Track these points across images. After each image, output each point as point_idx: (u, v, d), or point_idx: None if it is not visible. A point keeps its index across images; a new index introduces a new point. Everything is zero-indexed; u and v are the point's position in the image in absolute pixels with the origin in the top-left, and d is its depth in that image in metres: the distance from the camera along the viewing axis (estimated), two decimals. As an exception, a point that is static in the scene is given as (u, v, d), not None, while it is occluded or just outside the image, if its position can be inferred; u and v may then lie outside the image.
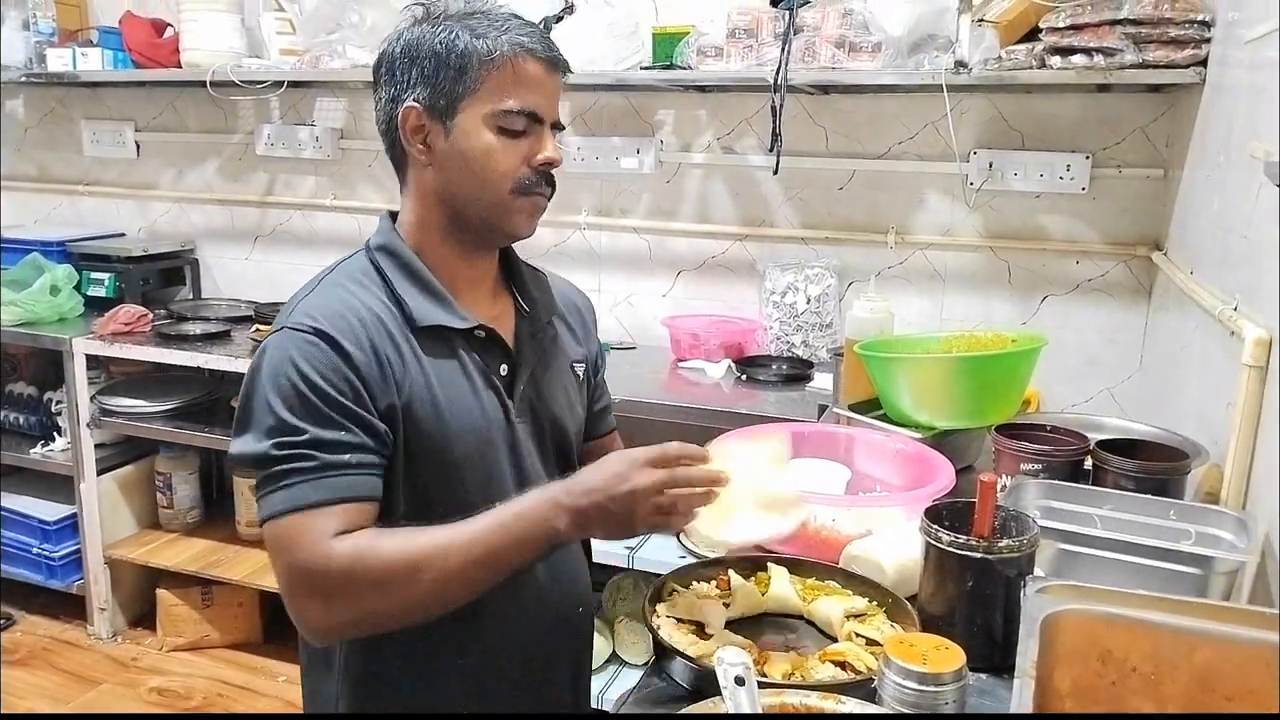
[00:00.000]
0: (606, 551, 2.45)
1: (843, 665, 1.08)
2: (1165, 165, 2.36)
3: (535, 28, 1.17)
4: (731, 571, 1.28)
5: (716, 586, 1.27)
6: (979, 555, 1.09)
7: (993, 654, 1.11)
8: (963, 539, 1.10)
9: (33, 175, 3.62)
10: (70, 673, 2.88)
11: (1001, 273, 2.55)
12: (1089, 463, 1.49)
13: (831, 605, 1.18)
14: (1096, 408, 2.47)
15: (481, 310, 1.22)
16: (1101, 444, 1.47)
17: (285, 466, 1.04)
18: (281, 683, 2.83)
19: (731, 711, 0.81)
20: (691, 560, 1.35)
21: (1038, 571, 1.21)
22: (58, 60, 3.03)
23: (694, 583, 1.27)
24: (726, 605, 1.21)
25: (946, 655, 0.91)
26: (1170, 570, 1.20)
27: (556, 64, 1.17)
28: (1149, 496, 1.36)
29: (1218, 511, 1.33)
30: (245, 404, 1.09)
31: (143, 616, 3.11)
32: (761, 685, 0.85)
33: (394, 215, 1.24)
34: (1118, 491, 1.38)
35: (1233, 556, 1.19)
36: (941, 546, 1.11)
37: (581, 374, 1.35)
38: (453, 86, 1.13)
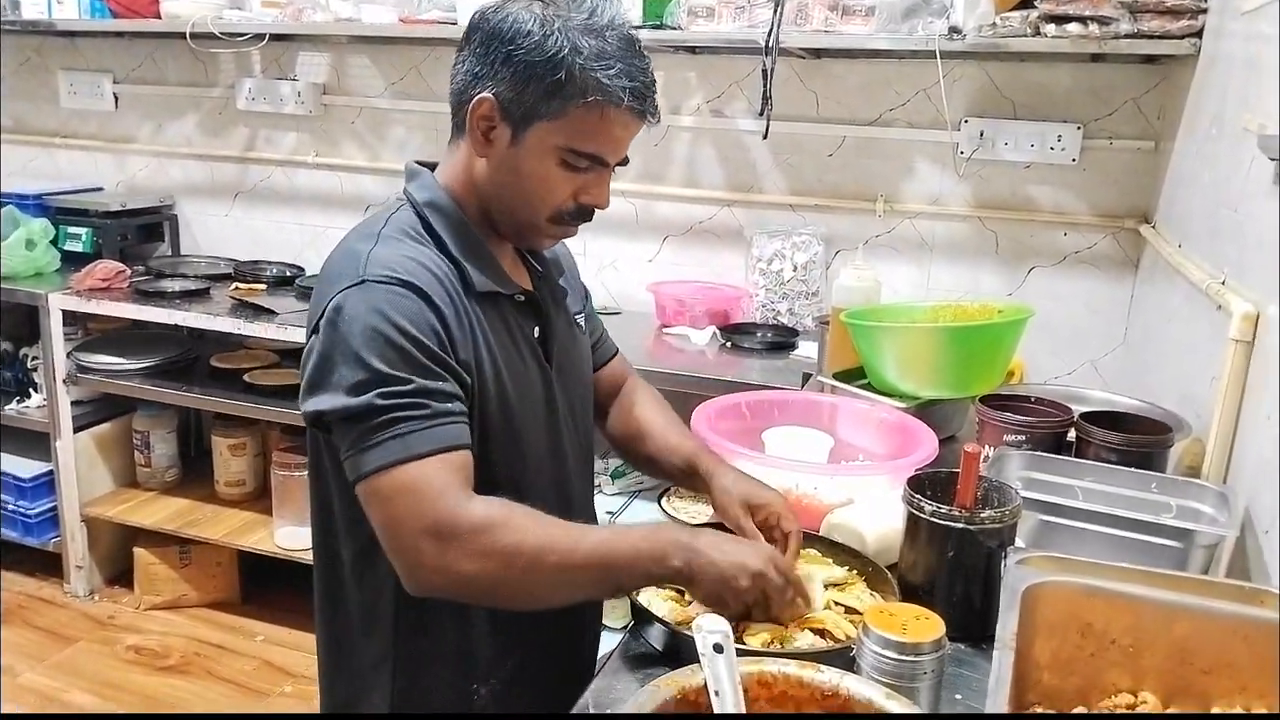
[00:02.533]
0: (587, 516, 2.44)
1: (822, 633, 1.08)
2: (1156, 138, 2.34)
3: (645, 70, 1.09)
4: None
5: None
6: (961, 525, 1.08)
7: (972, 624, 1.11)
8: (945, 509, 1.09)
9: (8, 127, 3.54)
10: (46, 630, 2.87)
11: (989, 243, 2.54)
12: (1072, 434, 1.49)
13: (812, 572, 1.17)
14: (1080, 380, 2.47)
15: (514, 276, 1.21)
16: (1085, 416, 1.46)
17: (395, 415, 1.00)
18: (259, 642, 2.83)
19: (710, 679, 0.80)
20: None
21: (1019, 543, 1.21)
22: (32, 7, 2.95)
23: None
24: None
25: (926, 625, 0.90)
26: (1151, 543, 1.20)
27: (646, 116, 1.11)
28: (1131, 469, 1.36)
29: (1199, 485, 1.33)
30: (325, 362, 1.03)
31: (120, 575, 3.10)
32: (740, 653, 0.84)
33: (429, 167, 1.20)
34: (1100, 464, 1.38)
35: (1213, 530, 1.19)
36: (924, 516, 1.11)
37: (583, 324, 1.36)
38: (537, 102, 1.07)
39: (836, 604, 1.13)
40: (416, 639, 1.17)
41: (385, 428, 1.00)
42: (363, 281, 1.05)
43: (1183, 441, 1.53)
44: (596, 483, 2.56)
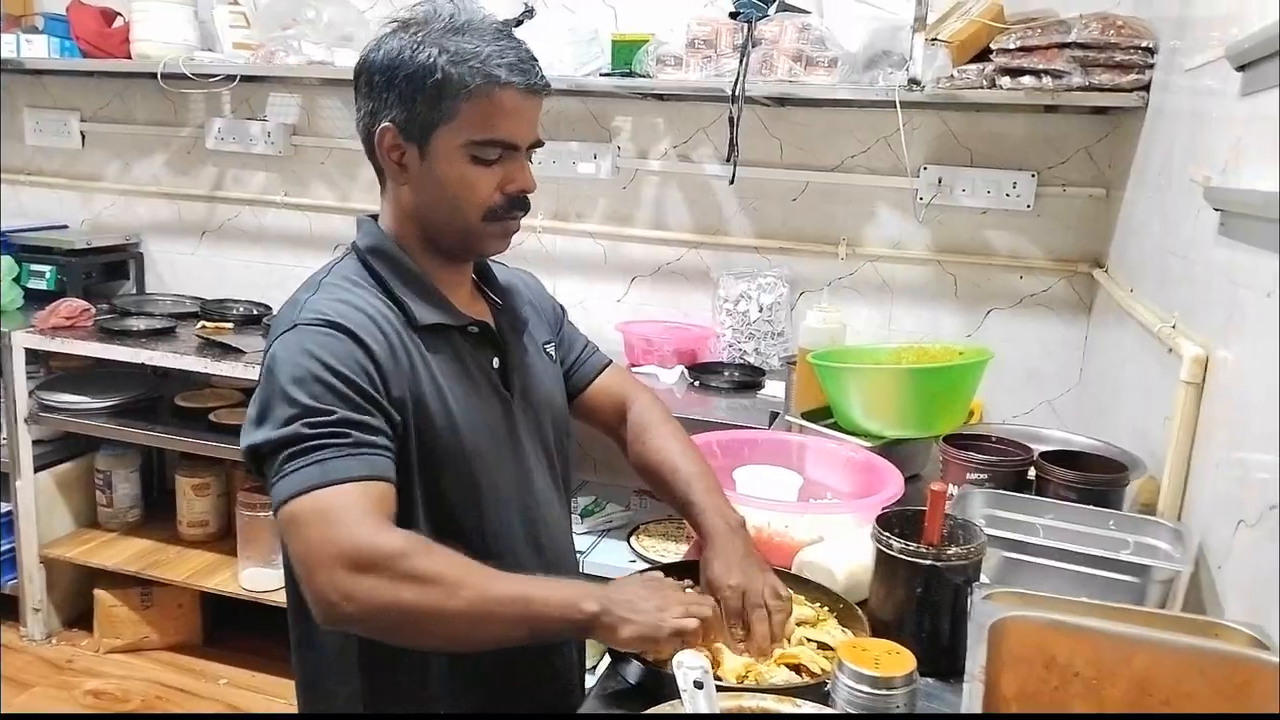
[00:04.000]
0: (557, 555, 2.45)
1: (796, 668, 1.10)
2: (1108, 185, 2.43)
3: (517, 48, 1.15)
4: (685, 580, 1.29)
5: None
6: (929, 562, 1.12)
7: (940, 659, 1.14)
8: (913, 546, 1.13)
9: (-29, 163, 3.52)
10: (3, 675, 2.80)
11: (949, 286, 2.61)
12: (1032, 473, 1.54)
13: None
14: (1037, 419, 2.53)
15: (467, 308, 1.24)
16: (1044, 455, 1.51)
17: (318, 442, 1.02)
18: (222, 685, 2.79)
19: (690, 710, 0.82)
20: (641, 565, 1.36)
21: (984, 578, 1.25)
22: (1, 47, 2.95)
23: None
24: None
25: (898, 660, 0.94)
26: (1109, 579, 1.24)
27: (535, 90, 1.16)
28: (1089, 507, 1.40)
29: (1154, 522, 1.37)
30: (262, 401, 1.07)
31: (79, 617, 3.04)
32: (719, 689, 0.87)
33: (373, 217, 1.24)
34: (1060, 501, 1.43)
35: (1169, 565, 1.24)
36: (892, 553, 1.14)
37: (554, 353, 1.38)
38: (428, 113, 1.12)
39: (809, 640, 1.16)
40: (385, 676, 1.17)
41: (305, 454, 1.02)
42: (295, 326, 1.09)
43: (1138, 480, 1.59)
44: (565, 521, 2.58)
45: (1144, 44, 2.02)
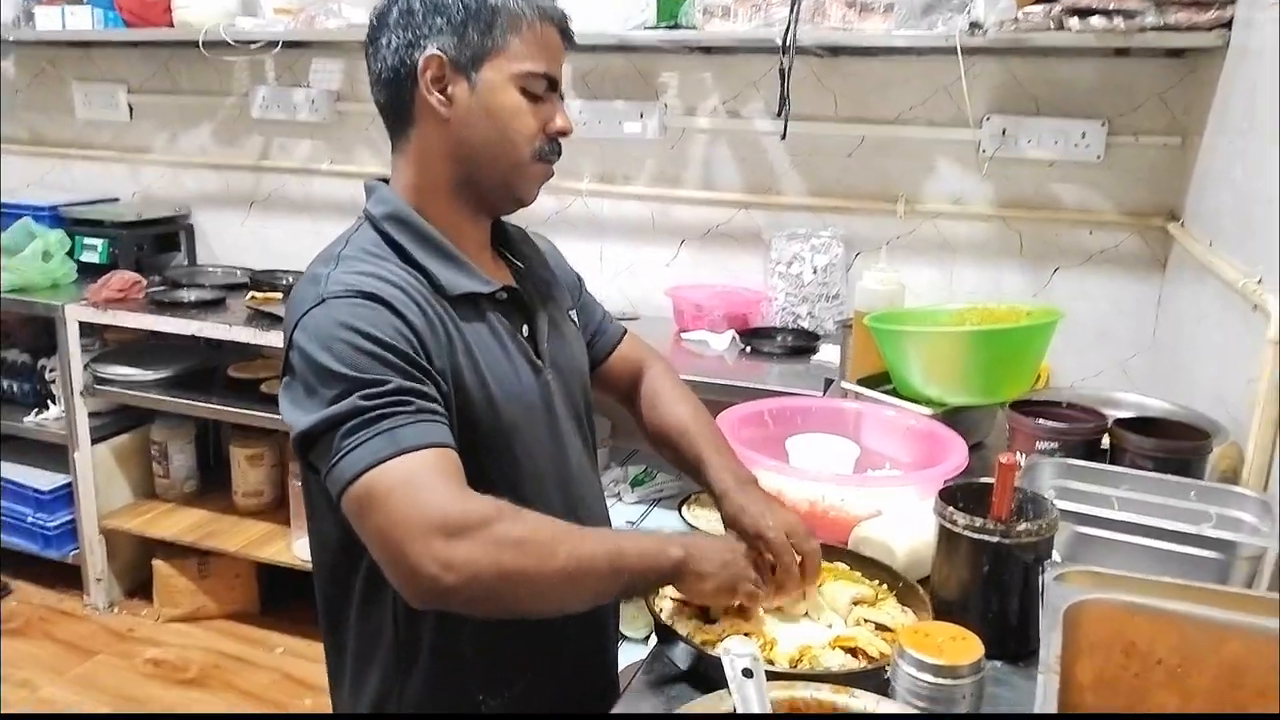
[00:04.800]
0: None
1: (853, 651, 1.04)
2: (1183, 133, 2.29)
3: None
4: None
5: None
6: (996, 540, 1.05)
7: (1008, 641, 1.08)
8: (979, 522, 1.05)
9: (24, 138, 3.55)
10: (66, 643, 2.86)
11: (1013, 243, 2.49)
12: (1106, 441, 1.45)
13: (839, 590, 1.14)
14: (1107, 382, 2.42)
15: (493, 274, 1.18)
16: (1119, 422, 1.42)
17: (380, 413, 0.95)
18: (279, 654, 2.81)
19: (739, 705, 0.77)
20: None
21: (1055, 555, 1.17)
22: (46, 19, 2.95)
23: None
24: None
25: (964, 646, 0.87)
26: (1190, 555, 1.16)
27: (568, 35, 1.16)
28: (1168, 477, 1.31)
29: (1239, 493, 1.28)
30: (302, 385, 1.00)
31: (139, 586, 3.09)
32: (769, 676, 0.81)
33: (384, 180, 1.18)
34: (1136, 472, 1.34)
35: (1256, 541, 1.15)
36: (957, 530, 1.07)
37: (576, 319, 1.33)
38: (481, 40, 1.09)
39: (866, 620, 1.10)
40: (417, 659, 1.13)
41: (370, 425, 0.95)
42: (323, 301, 1.03)
43: (1219, 447, 1.49)
44: (615, 491, 2.54)
45: (1225, -22, 1.88)
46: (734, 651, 0.79)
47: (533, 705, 1.18)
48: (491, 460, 1.11)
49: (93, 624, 2.96)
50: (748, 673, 0.78)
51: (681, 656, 1.05)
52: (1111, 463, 1.41)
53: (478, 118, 1.10)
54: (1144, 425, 1.42)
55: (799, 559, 1.10)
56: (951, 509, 1.08)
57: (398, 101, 1.13)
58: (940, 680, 0.85)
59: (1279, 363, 1.35)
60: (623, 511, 2.46)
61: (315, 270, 1.09)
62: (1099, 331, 2.44)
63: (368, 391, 0.97)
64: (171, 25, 2.87)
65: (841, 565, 1.21)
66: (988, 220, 2.50)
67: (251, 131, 3.22)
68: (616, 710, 1.03)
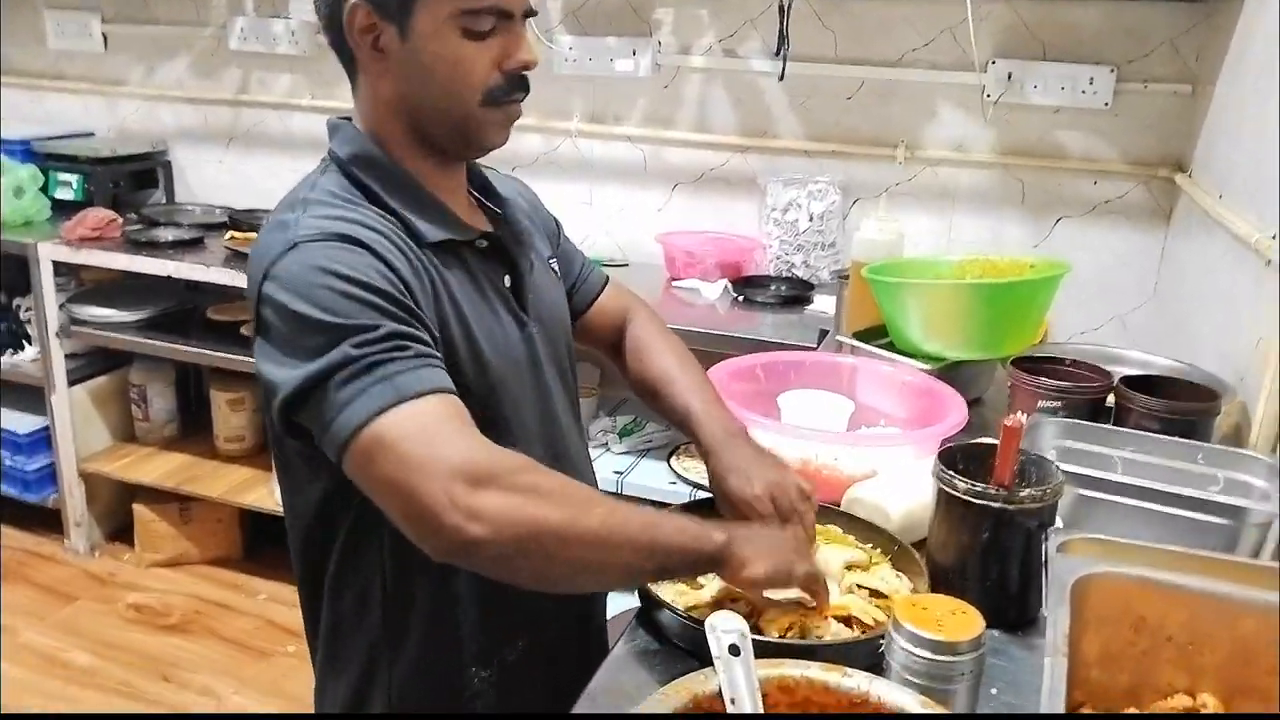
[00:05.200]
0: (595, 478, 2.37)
1: (847, 620, 1.00)
2: (1194, 81, 2.21)
3: None
4: None
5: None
6: (998, 505, 1.00)
7: (1008, 609, 1.03)
8: (980, 487, 1.00)
9: (-7, 69, 3.43)
10: (47, 588, 2.83)
11: (1015, 192, 2.42)
12: (1111, 400, 1.40)
13: (831, 553, 1.09)
14: (1107, 335, 2.37)
15: (470, 219, 1.11)
16: (1125, 380, 1.37)
17: (375, 359, 0.87)
18: (262, 600, 2.78)
19: (725, 686, 0.72)
20: (682, 487, 1.26)
21: (1058, 521, 1.13)
22: (13, -57, 2.82)
23: None
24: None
25: (963, 621, 0.82)
26: (1197, 520, 1.11)
27: None
28: (1174, 439, 1.26)
29: (1249, 456, 1.23)
30: (280, 341, 0.91)
31: (121, 530, 3.05)
32: (758, 646, 0.76)
33: (347, 119, 1.09)
34: (1141, 433, 1.29)
35: (1265, 507, 1.10)
36: (956, 494, 1.02)
37: (556, 268, 1.26)
38: None
39: (860, 586, 1.05)
40: (408, 630, 1.08)
41: (367, 373, 0.87)
42: (294, 246, 0.93)
43: (1231, 403, 1.45)
44: (603, 441, 2.50)
45: (1249, -85, 1.79)
46: (720, 627, 0.74)
47: (522, 675, 1.13)
48: (478, 415, 1.04)
49: (73, 568, 2.92)
50: (734, 650, 0.73)
51: (669, 626, 1.00)
52: (1116, 423, 1.36)
53: (415, 68, 0.99)
54: (1150, 384, 1.37)
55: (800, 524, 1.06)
56: (951, 472, 1.03)
57: (339, 49, 1.04)
58: (938, 657, 0.80)
59: (1293, 321, 1.30)
60: (610, 462, 2.42)
61: (280, 216, 1.00)
62: (1100, 284, 2.38)
63: (359, 339, 0.88)
64: (144, -49, 2.74)
65: (834, 528, 1.16)
66: (989, 168, 2.43)
67: (229, 64, 3.11)
68: (594, 686, 0.98)
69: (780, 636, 0.95)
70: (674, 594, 1.03)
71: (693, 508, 1.19)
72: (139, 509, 2.91)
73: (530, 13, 1.04)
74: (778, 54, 2.23)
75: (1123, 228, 2.35)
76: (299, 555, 1.11)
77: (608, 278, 1.38)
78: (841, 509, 1.20)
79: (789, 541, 0.99)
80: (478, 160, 1.16)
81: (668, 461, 2.37)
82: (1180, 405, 1.30)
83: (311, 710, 1.18)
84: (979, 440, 1.11)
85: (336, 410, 0.87)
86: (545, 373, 1.14)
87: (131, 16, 3.18)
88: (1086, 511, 1.17)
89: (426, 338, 0.94)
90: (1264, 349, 1.40)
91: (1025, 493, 1.00)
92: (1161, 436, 1.27)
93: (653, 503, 2.50)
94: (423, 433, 0.86)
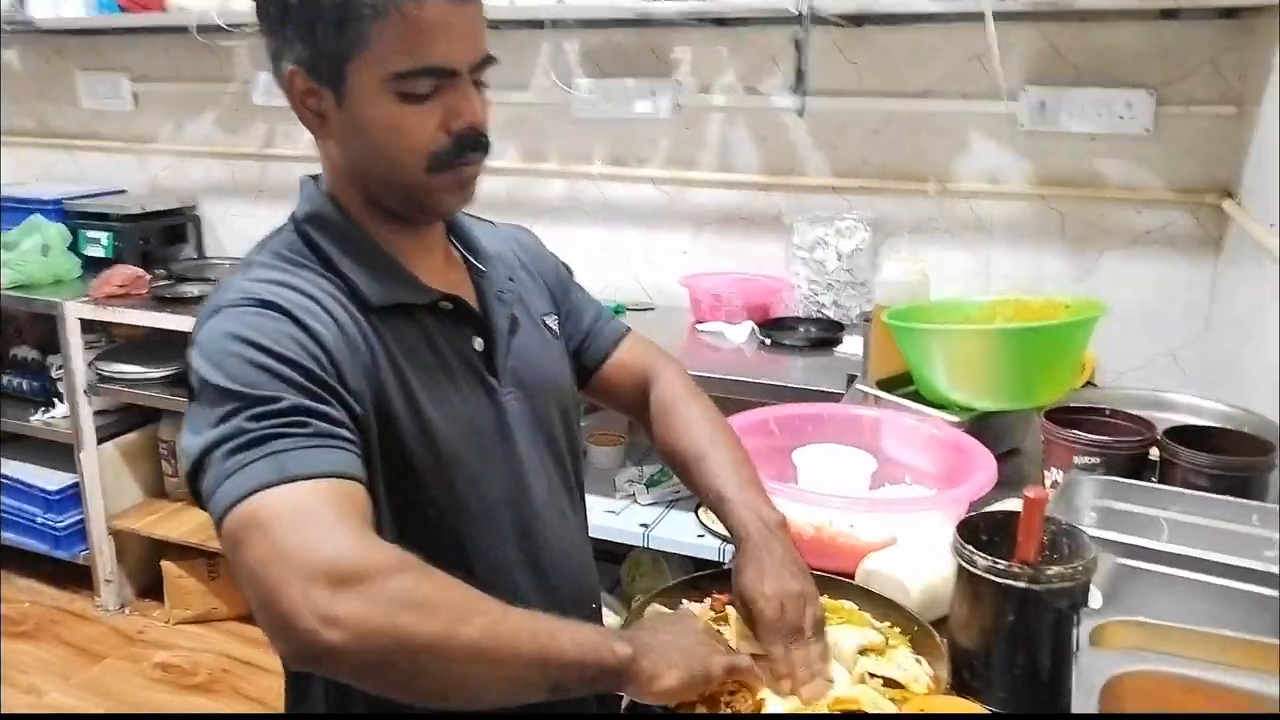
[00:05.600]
0: (621, 530, 2.30)
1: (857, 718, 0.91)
2: (1239, 101, 2.09)
3: None
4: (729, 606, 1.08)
5: (712, 609, 1.08)
6: (1023, 585, 0.90)
7: (1038, 697, 0.93)
8: (1003, 565, 0.91)
9: (32, 129, 3.49)
10: (75, 646, 2.81)
11: (1054, 224, 2.32)
12: (1155, 453, 1.29)
13: (844, 635, 1.00)
14: (1157, 372, 2.25)
15: (437, 280, 1.04)
16: (1169, 433, 1.26)
17: (266, 434, 0.81)
18: (289, 658, 2.73)
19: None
20: (710, 540, 1.17)
21: (1094, 593, 1.03)
22: (39, 6, 2.86)
23: (683, 601, 1.09)
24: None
25: (978, 729, 0.73)
26: (1252, 593, 1.00)
27: None
28: (1226, 498, 1.15)
29: (1310, 517, 1.12)
30: (193, 407, 0.87)
31: (151, 587, 3.02)
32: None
33: (317, 180, 1.04)
34: (1189, 491, 1.18)
35: (1331, 579, 0.99)
36: (977, 572, 0.93)
37: (555, 326, 1.18)
38: (334, 45, 0.90)
39: (873, 675, 0.96)
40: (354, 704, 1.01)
41: (252, 447, 0.80)
42: (218, 311, 0.89)
43: (1283, 457, 1.33)
44: (630, 491, 2.42)
45: (1290, -72, 1.69)
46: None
47: None
48: (427, 495, 0.97)
49: (103, 626, 2.90)
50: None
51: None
52: (1161, 479, 1.25)
53: (353, 134, 0.94)
54: (1198, 435, 1.26)
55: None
56: (971, 548, 0.94)
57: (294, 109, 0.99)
58: (950, 773, 0.71)
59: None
60: (636, 514, 2.34)
61: (224, 280, 0.96)
62: (1148, 318, 2.26)
63: (257, 410, 0.82)
64: (165, 9, 2.76)
65: (847, 604, 1.07)
66: (1026, 199, 2.33)
67: (255, 119, 3.12)
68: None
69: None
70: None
71: (717, 578, 1.11)
72: (167, 565, 2.89)
73: (482, 65, 0.96)
74: (796, 89, 2.16)
75: (1170, 258, 2.23)
76: None
77: (628, 329, 1.29)
78: (856, 582, 1.11)
79: (698, 635, 0.89)
80: (463, 211, 1.10)
81: (696, 513, 2.29)
82: (1231, 460, 1.19)
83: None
84: (1004, 509, 1.02)
85: (217, 484, 0.81)
86: (519, 444, 1.06)
87: (159, 75, 3.21)
88: (1128, 583, 1.07)
89: (338, 414, 0.87)
90: (1324, 393, 1.28)
91: (1053, 571, 0.90)
92: (1211, 495, 1.16)
93: (684, 558, 2.40)
94: (294, 519, 0.77)
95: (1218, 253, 2.18)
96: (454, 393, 1.00)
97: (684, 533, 2.26)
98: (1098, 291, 2.24)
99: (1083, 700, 0.71)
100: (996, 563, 0.91)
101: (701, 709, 0.91)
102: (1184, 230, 2.21)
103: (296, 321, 0.89)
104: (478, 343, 1.05)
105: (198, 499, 0.86)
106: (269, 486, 0.78)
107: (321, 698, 1.03)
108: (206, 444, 0.82)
